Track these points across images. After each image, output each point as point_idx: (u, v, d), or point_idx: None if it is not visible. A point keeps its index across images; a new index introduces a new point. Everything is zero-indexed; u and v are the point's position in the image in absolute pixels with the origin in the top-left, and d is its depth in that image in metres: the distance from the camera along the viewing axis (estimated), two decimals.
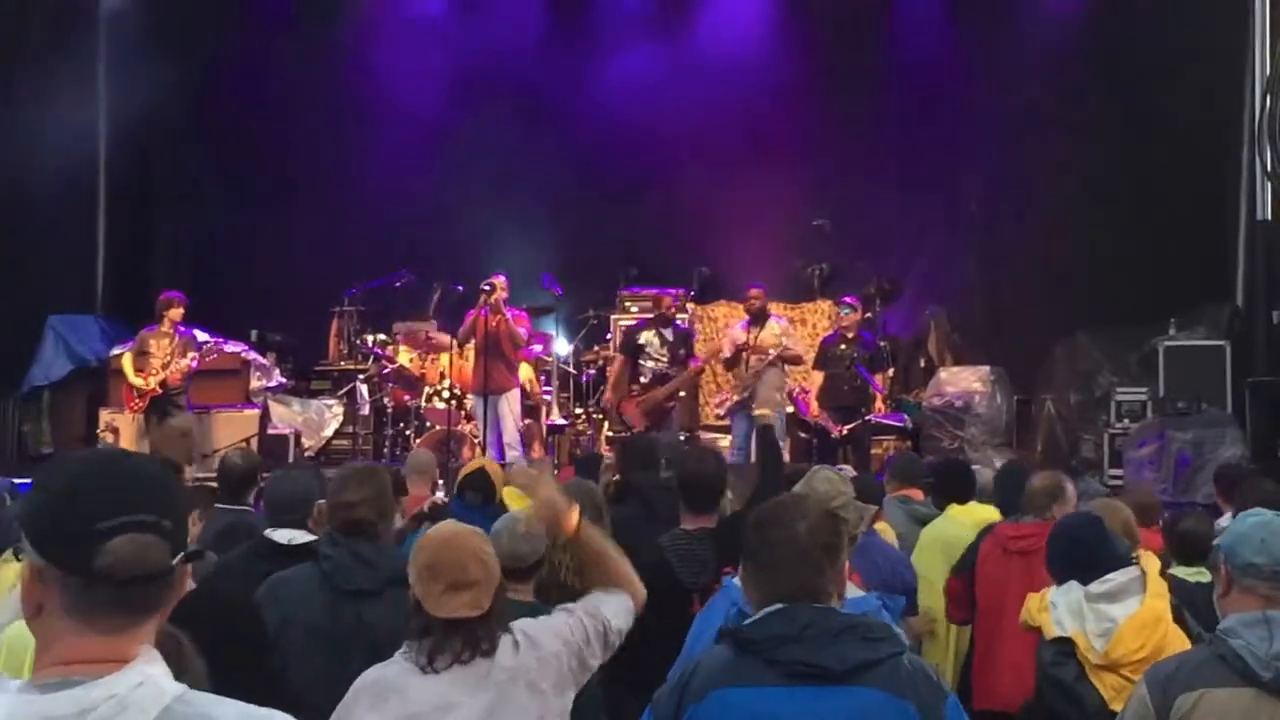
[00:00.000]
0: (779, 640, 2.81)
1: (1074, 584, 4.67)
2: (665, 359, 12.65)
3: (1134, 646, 4.47)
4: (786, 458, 12.38)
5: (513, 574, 4.30)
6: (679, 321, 13.32)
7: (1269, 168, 11.86)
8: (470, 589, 3.43)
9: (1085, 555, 4.69)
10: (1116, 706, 4.32)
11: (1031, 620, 4.78)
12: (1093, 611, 4.59)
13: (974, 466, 8.48)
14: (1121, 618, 4.53)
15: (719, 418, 13.02)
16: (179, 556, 1.85)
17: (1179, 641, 4.44)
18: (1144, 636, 4.49)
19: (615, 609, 3.73)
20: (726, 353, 12.74)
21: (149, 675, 1.81)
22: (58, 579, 1.82)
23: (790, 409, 13.37)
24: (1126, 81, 13.67)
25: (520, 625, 3.58)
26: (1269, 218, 12.48)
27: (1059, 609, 4.66)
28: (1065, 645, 4.60)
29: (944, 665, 6.66)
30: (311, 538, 4.87)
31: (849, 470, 10.08)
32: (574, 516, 3.78)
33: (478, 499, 6.11)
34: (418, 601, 3.47)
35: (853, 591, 3.84)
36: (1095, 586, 4.60)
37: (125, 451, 2.01)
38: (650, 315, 13.31)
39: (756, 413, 11.44)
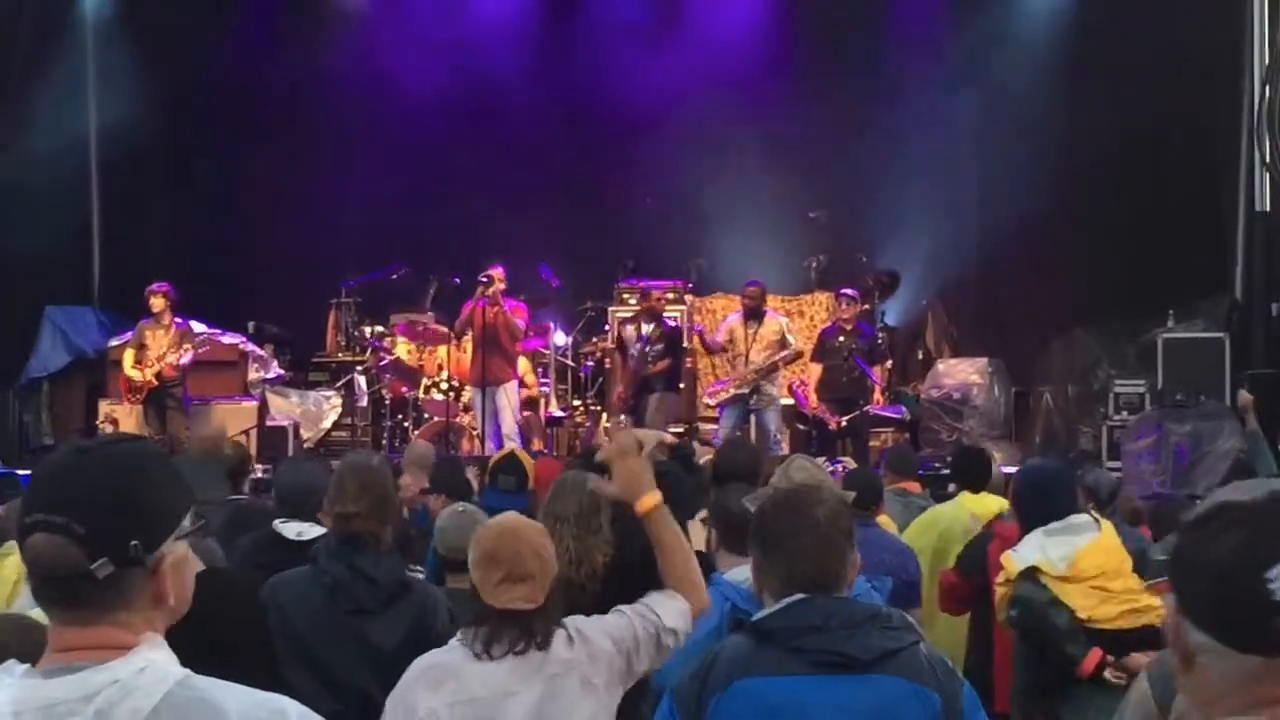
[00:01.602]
0: (803, 630, 2.82)
1: (1032, 534, 4.91)
2: (636, 355, 12.64)
3: (1096, 562, 4.71)
4: (785, 449, 12.42)
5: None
6: (668, 318, 13.23)
7: (1268, 159, 11.85)
8: (526, 582, 3.43)
9: (1052, 506, 4.93)
10: (1079, 608, 4.62)
11: (999, 586, 4.93)
12: (1052, 542, 4.81)
13: None
14: (1083, 544, 4.76)
15: (709, 407, 12.95)
16: (100, 561, 1.82)
17: (1133, 575, 4.75)
18: (1103, 557, 4.73)
19: (670, 611, 3.65)
20: (720, 338, 12.69)
21: (152, 661, 1.83)
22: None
23: (790, 401, 13.39)
24: (1124, 72, 13.65)
25: (573, 621, 3.57)
26: (1268, 209, 12.47)
27: (1019, 552, 4.86)
28: (1032, 578, 4.82)
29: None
30: (321, 531, 4.82)
31: (849, 463, 10.13)
32: (652, 497, 3.72)
33: (511, 483, 6.12)
34: (474, 587, 3.49)
35: None
36: (1052, 526, 4.83)
37: (95, 445, 1.93)
38: (638, 309, 13.31)
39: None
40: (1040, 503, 4.95)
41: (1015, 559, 4.85)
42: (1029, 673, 5.07)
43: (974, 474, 7.34)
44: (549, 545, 3.56)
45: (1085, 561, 4.70)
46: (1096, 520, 4.94)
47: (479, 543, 3.56)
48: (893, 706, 2.79)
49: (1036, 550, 4.80)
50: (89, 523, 1.82)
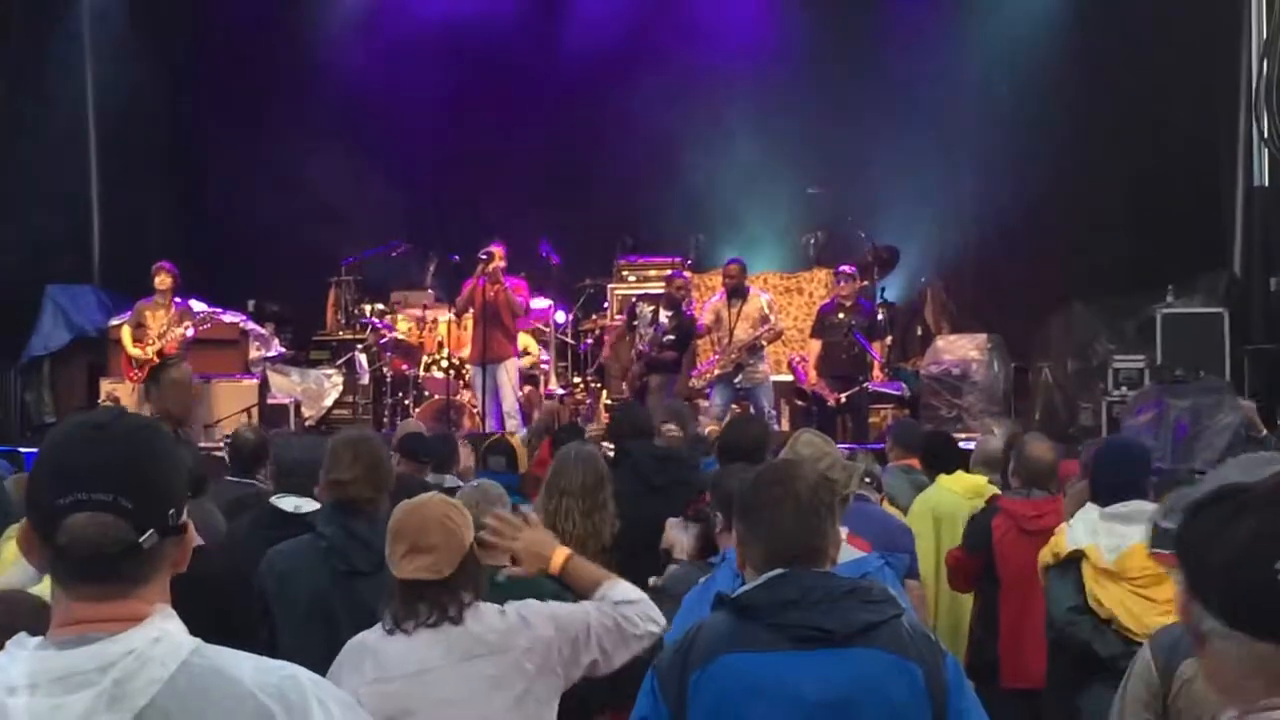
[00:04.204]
0: (782, 605, 2.82)
1: (1090, 506, 4.90)
2: (647, 339, 12.58)
3: (1141, 563, 4.65)
4: (785, 426, 12.43)
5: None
6: (686, 307, 13.15)
7: (1266, 133, 11.84)
8: (430, 553, 3.43)
9: (1123, 482, 4.92)
10: (1123, 618, 4.59)
11: (1047, 555, 4.90)
12: (1105, 529, 4.79)
13: (974, 436, 8.50)
14: (1135, 538, 4.68)
15: (696, 390, 12.85)
16: (148, 534, 1.84)
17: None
18: (1151, 559, 4.63)
19: (625, 588, 3.71)
20: (706, 319, 12.65)
21: (165, 631, 1.85)
22: (39, 546, 1.88)
23: (785, 378, 13.40)
24: (1122, 48, 13.62)
25: (517, 606, 3.57)
26: (1266, 184, 12.47)
27: (1075, 529, 4.86)
28: (1077, 599, 4.77)
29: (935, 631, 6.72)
30: (318, 505, 4.86)
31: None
32: (559, 556, 3.75)
33: (500, 463, 6.21)
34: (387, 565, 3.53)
35: (852, 553, 3.85)
36: (1110, 509, 4.81)
37: (112, 419, 1.93)
38: (661, 290, 13.22)
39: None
40: (1114, 475, 4.95)
41: (1068, 537, 4.85)
42: (1056, 662, 5.11)
43: (942, 458, 7.35)
44: (459, 519, 3.54)
45: (1132, 560, 4.67)
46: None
47: (390, 519, 3.59)
48: (874, 679, 2.80)
49: (1089, 533, 4.79)
50: (135, 497, 1.85)
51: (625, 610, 3.63)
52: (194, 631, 1.90)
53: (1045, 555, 4.95)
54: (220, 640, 1.91)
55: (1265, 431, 8.72)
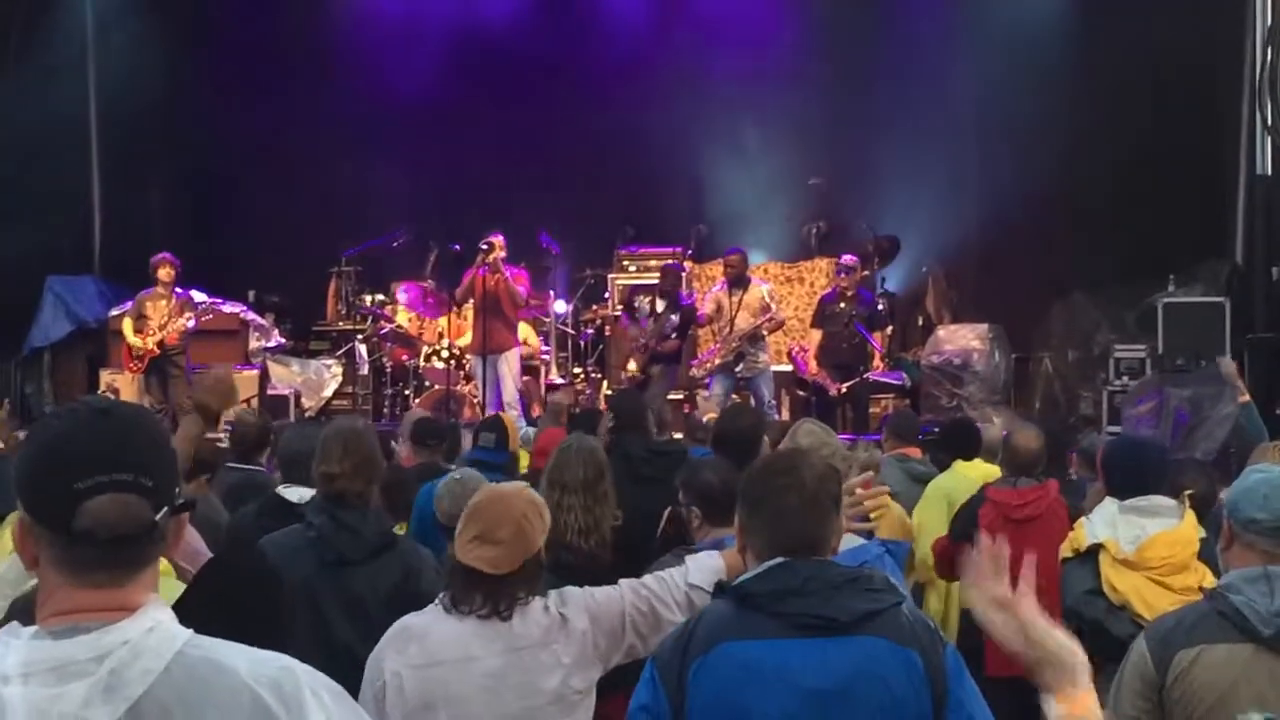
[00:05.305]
0: (782, 593, 2.82)
1: (1109, 500, 4.90)
2: (653, 331, 12.56)
3: (1162, 553, 4.70)
4: (785, 416, 12.42)
5: None
6: (685, 296, 13.17)
7: (1269, 122, 11.82)
8: (495, 546, 3.47)
9: (1141, 480, 4.92)
10: (1136, 605, 4.61)
11: (1067, 550, 4.97)
12: (1125, 521, 4.81)
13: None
14: (1153, 530, 4.74)
15: (697, 380, 12.85)
16: (163, 511, 1.85)
17: (1200, 569, 4.66)
18: (1173, 549, 4.71)
19: (698, 568, 3.76)
20: (707, 309, 12.66)
21: (159, 621, 1.84)
22: (45, 536, 1.85)
23: (785, 368, 13.39)
24: (1125, 36, 13.58)
25: (558, 595, 3.62)
26: (1269, 173, 12.44)
27: (1094, 522, 4.88)
28: (1093, 584, 4.78)
29: (946, 612, 6.74)
30: None
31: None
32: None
33: (491, 440, 6.26)
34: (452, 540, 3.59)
35: (852, 540, 3.85)
36: (1129, 501, 4.82)
37: (110, 405, 1.92)
38: (657, 281, 13.22)
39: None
40: (1131, 476, 4.95)
41: (1086, 532, 4.88)
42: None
43: (965, 443, 7.40)
44: (538, 521, 3.58)
45: (1152, 550, 4.70)
46: (1181, 505, 4.90)
47: (474, 496, 3.66)
48: (875, 667, 2.79)
49: (1108, 526, 4.81)
50: (153, 475, 1.86)
51: (673, 594, 3.69)
52: (225, 633, 1.89)
53: (1065, 550, 4.97)
54: (255, 638, 1.91)
55: (1246, 395, 8.84)
